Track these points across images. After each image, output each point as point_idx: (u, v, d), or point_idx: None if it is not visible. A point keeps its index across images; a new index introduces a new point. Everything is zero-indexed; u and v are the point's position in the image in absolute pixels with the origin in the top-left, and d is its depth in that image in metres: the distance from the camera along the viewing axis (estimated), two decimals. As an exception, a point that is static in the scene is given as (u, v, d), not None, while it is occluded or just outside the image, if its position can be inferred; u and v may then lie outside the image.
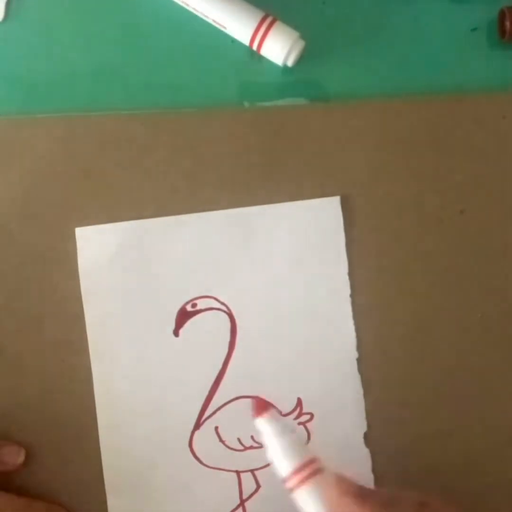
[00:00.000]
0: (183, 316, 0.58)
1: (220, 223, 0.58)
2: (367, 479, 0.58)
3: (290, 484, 0.48)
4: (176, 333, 0.58)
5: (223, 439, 0.58)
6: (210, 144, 0.58)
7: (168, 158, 0.58)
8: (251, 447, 0.58)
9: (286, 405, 0.58)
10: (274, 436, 0.49)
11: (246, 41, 0.57)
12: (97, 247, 0.57)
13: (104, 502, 0.57)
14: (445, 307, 0.59)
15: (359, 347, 0.59)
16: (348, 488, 0.47)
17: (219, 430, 0.58)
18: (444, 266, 0.59)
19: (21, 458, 0.56)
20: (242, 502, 0.58)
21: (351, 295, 0.59)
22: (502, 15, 0.59)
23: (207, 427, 0.58)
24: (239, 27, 0.57)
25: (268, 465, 0.58)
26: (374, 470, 0.58)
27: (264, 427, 0.49)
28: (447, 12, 0.60)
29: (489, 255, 0.60)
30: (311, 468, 0.48)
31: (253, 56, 0.58)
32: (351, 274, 0.59)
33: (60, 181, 0.57)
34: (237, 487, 0.58)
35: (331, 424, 0.59)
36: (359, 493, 0.47)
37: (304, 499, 0.48)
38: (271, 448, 0.49)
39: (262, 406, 0.50)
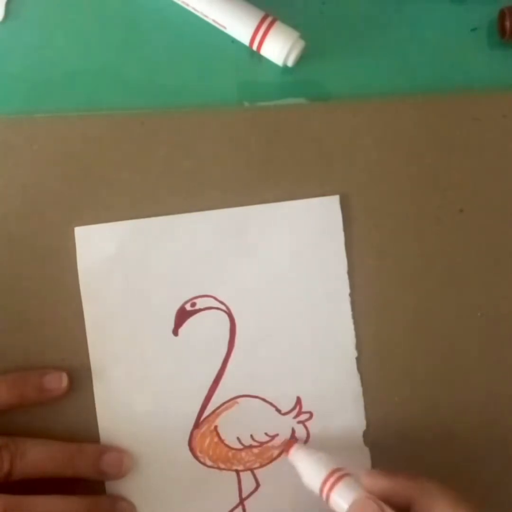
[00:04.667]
0: (183, 315, 0.58)
1: (220, 222, 0.58)
2: (366, 478, 0.59)
3: (324, 495, 0.52)
4: (175, 332, 0.58)
5: (223, 438, 0.58)
6: (210, 144, 0.58)
7: (168, 158, 0.58)
8: (250, 446, 0.58)
9: (286, 404, 0.58)
10: (302, 461, 0.55)
11: (246, 41, 0.57)
12: (97, 246, 0.57)
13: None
14: (445, 306, 0.59)
15: (358, 346, 0.59)
16: (376, 471, 0.54)
17: (219, 429, 0.58)
18: (444, 264, 0.59)
19: (64, 382, 0.56)
20: (241, 501, 0.58)
21: (351, 294, 0.59)
22: (502, 15, 0.59)
23: (207, 426, 0.58)
24: (239, 27, 0.57)
25: (267, 464, 0.58)
26: (373, 469, 0.59)
27: (293, 458, 0.56)
28: (447, 12, 0.60)
29: (488, 254, 0.60)
30: (336, 475, 0.53)
31: (253, 56, 0.58)
32: (350, 273, 0.59)
33: (60, 181, 0.57)
34: (236, 486, 0.58)
35: (330, 422, 0.59)
36: (387, 472, 0.53)
37: (337, 501, 0.52)
38: (303, 472, 0.55)
39: (289, 444, 0.57)
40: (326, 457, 0.55)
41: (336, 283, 0.59)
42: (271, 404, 0.58)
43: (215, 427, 0.58)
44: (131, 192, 0.58)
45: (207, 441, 0.58)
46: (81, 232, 0.57)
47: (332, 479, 0.52)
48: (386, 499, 0.51)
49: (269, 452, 0.58)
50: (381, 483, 0.52)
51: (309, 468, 0.54)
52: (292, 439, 0.58)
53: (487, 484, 0.59)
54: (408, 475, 0.52)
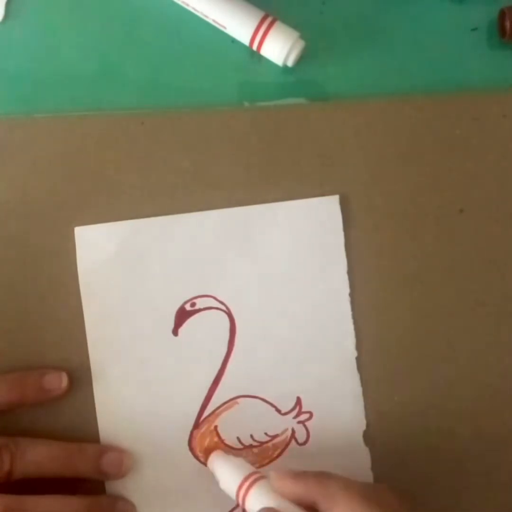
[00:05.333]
0: (182, 315, 0.58)
1: (220, 222, 0.58)
2: (366, 477, 0.58)
3: (240, 500, 0.53)
4: (175, 332, 0.58)
5: (223, 438, 0.58)
6: (210, 144, 0.58)
7: (168, 158, 0.58)
8: (250, 446, 0.58)
9: (286, 404, 0.58)
10: (219, 467, 0.56)
11: (246, 41, 0.57)
12: (96, 246, 0.57)
13: (104, 501, 0.58)
14: (444, 306, 0.59)
15: (358, 346, 0.59)
16: (285, 474, 0.53)
17: (219, 429, 0.58)
18: (443, 265, 0.59)
19: (64, 382, 0.56)
20: (241, 501, 0.58)
21: (350, 294, 0.59)
22: (502, 15, 0.59)
23: (207, 426, 0.58)
24: (239, 27, 0.57)
25: (267, 464, 0.58)
26: (373, 469, 0.59)
27: (211, 464, 0.57)
28: (447, 12, 0.60)
29: (488, 255, 0.60)
30: (250, 480, 0.54)
31: (253, 56, 0.58)
32: (350, 273, 0.59)
33: (60, 181, 0.57)
34: (236, 486, 0.58)
35: (330, 422, 0.59)
36: (294, 475, 0.53)
37: (252, 505, 0.53)
38: (220, 478, 0.55)
39: (208, 450, 0.58)
40: (242, 463, 0.56)
41: (336, 283, 0.59)
42: (271, 404, 0.58)
43: (215, 427, 0.58)
44: (131, 192, 0.58)
45: (207, 441, 0.58)
46: (81, 232, 0.57)
47: (246, 484, 0.53)
48: (295, 501, 0.52)
49: (269, 452, 0.58)
50: (288, 486, 0.52)
51: (226, 474, 0.55)
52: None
53: (487, 484, 0.59)
54: (314, 476, 0.53)
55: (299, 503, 0.51)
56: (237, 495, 0.53)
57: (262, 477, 0.54)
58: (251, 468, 0.55)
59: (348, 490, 0.51)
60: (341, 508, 0.50)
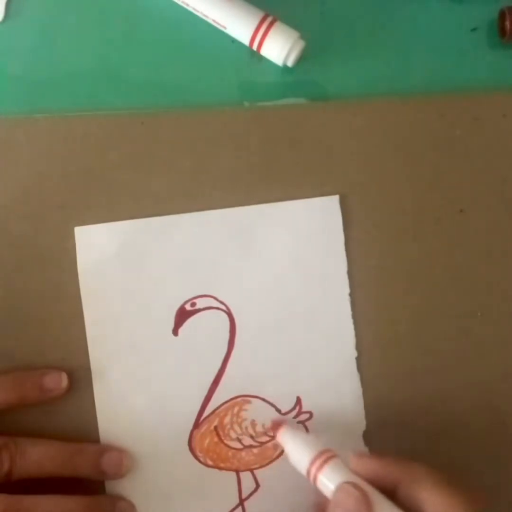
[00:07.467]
0: (182, 315, 0.58)
1: (220, 222, 0.58)
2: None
3: (311, 477, 0.52)
4: (175, 332, 0.58)
5: (223, 438, 0.58)
6: (210, 144, 0.58)
7: (168, 158, 0.58)
8: (250, 446, 0.58)
9: (286, 404, 0.58)
10: (289, 442, 0.55)
11: (246, 41, 0.57)
12: (96, 246, 0.57)
13: (104, 501, 0.58)
14: (444, 306, 0.59)
15: (358, 346, 0.59)
16: (365, 453, 0.54)
17: (219, 429, 0.58)
18: (443, 264, 0.59)
19: (64, 382, 0.56)
20: (241, 502, 0.58)
21: (350, 294, 0.59)
22: (502, 15, 0.59)
23: (207, 426, 0.58)
24: (239, 27, 0.57)
25: (267, 464, 0.58)
26: (373, 469, 0.59)
27: (281, 439, 0.56)
28: (447, 12, 0.60)
29: (488, 255, 0.60)
30: (324, 456, 0.52)
31: (253, 56, 0.58)
32: (350, 273, 0.59)
33: (60, 181, 0.57)
34: (236, 486, 0.58)
35: (330, 422, 0.59)
36: (376, 454, 0.54)
37: (326, 482, 0.52)
38: (291, 453, 0.55)
39: (277, 425, 0.57)
40: (314, 438, 0.55)
41: (336, 283, 0.59)
42: (271, 404, 0.58)
43: (215, 427, 0.58)
44: (131, 192, 0.58)
45: (207, 441, 0.58)
46: (81, 232, 0.57)
47: (319, 461, 0.52)
48: (372, 482, 0.51)
49: (269, 452, 0.58)
50: (368, 465, 0.52)
51: (296, 449, 0.54)
52: (280, 420, 0.58)
53: (488, 484, 0.59)
54: (395, 458, 0.53)
55: (374, 484, 0.51)
56: (309, 472, 0.53)
57: (335, 455, 0.53)
58: (324, 445, 0.54)
59: (434, 475, 0.50)
60: (428, 492, 0.49)
